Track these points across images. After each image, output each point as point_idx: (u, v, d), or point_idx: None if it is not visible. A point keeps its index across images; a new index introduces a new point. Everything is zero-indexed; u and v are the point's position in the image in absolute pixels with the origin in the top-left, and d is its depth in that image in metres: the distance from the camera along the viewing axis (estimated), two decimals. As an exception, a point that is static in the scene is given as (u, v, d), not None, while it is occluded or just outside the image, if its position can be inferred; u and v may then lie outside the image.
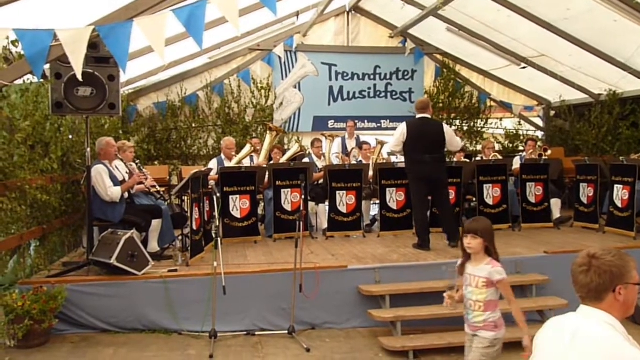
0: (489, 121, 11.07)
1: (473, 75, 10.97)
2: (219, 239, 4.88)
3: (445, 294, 3.28)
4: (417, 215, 6.43)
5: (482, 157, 8.29)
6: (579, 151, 9.91)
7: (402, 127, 6.32)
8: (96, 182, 5.54)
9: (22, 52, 4.04)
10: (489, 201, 7.49)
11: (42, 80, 5.09)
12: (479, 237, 3.22)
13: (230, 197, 6.84)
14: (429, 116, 6.34)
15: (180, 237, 6.30)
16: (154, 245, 5.98)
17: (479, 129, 10.94)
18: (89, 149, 5.44)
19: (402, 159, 8.36)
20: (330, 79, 10.41)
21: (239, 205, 6.86)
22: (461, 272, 3.34)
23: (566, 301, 5.23)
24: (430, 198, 6.80)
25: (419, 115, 6.30)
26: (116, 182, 5.75)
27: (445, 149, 6.41)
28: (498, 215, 7.46)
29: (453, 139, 6.41)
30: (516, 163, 8.11)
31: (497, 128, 11.26)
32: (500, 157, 8.14)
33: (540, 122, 11.40)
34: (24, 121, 5.38)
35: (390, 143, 6.43)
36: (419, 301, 5.25)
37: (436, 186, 6.28)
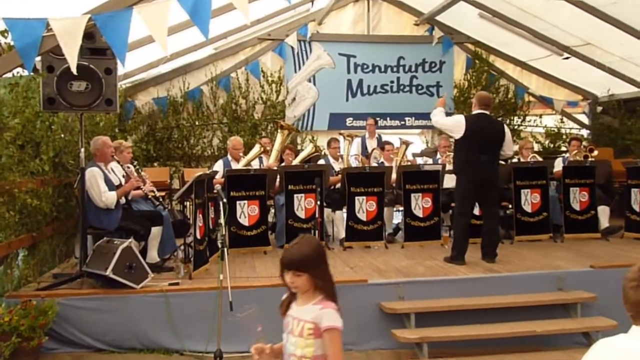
0: (527, 118, 11.02)
1: (509, 67, 10.93)
2: (225, 249, 4.87)
3: (252, 347, 2.53)
4: (458, 223, 6.35)
5: (519, 159, 8.25)
6: (630, 152, 9.83)
7: (460, 120, 6.23)
8: (90, 186, 5.59)
9: (12, 43, 4.10)
10: (527, 208, 7.43)
11: (33, 73, 5.13)
12: (302, 272, 2.45)
13: (238, 202, 6.85)
14: (488, 113, 6.31)
15: (182, 247, 6.32)
16: (153, 256, 6.02)
17: (516, 127, 10.88)
18: (83, 149, 5.49)
19: (429, 160, 8.42)
20: (349, 72, 10.41)
21: (247, 212, 6.88)
22: (283, 312, 2.65)
23: (616, 322, 5.14)
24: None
25: (478, 111, 6.24)
26: (112, 186, 5.80)
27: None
28: (537, 224, 7.40)
29: (511, 142, 6.42)
30: (558, 165, 8.04)
31: (536, 126, 11.20)
32: (539, 159, 8.08)
33: (585, 119, 11.34)
34: (13, 118, 5.43)
35: (437, 117, 6.35)
36: (448, 320, 5.22)
37: (487, 190, 6.23)
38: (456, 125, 6.20)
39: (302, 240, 2.52)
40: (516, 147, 7.98)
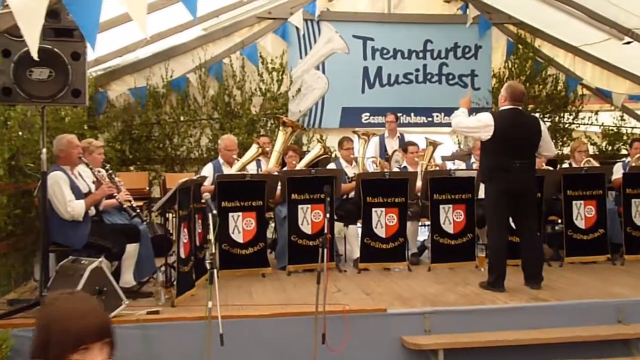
0: (580, 115, 11.01)
1: (558, 53, 10.95)
2: (214, 271, 4.85)
3: None
4: (494, 242, 6.33)
5: (570, 164, 8.24)
6: None
7: (486, 120, 6.23)
8: (53, 194, 5.60)
9: (-39, 23, 4.12)
10: (580, 224, 7.39)
11: (-16, 59, 5.18)
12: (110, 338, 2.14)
13: (231, 214, 6.86)
14: (521, 108, 6.32)
15: (163, 268, 6.30)
16: (128, 279, 6.03)
17: (567, 125, 10.88)
18: (44, 150, 5.46)
19: (461, 165, 8.39)
20: (365, 58, 10.44)
21: (241, 226, 6.89)
22: None
23: (687, 362, 5.14)
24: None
25: (509, 106, 6.24)
26: (79, 194, 5.80)
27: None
28: (592, 243, 7.37)
29: (550, 141, 6.42)
30: (617, 172, 8.02)
31: (592, 124, 11.18)
32: (595, 164, 8.03)
33: (651, 117, 11.31)
34: (-41, 113, 5.47)
35: (460, 118, 6.38)
36: (484, 359, 5.20)
37: (523, 203, 6.22)
38: (482, 126, 6.19)
39: (84, 297, 2.19)
40: (566, 150, 7.96)
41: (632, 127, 11.11)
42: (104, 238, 5.89)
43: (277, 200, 7.45)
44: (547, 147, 6.37)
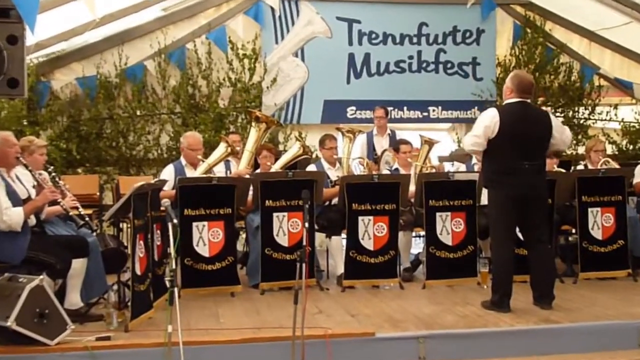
0: (597, 109, 11.10)
1: (573, 39, 11.06)
2: (175, 290, 4.84)
3: None
4: (499, 255, 6.35)
5: (586, 165, 8.27)
6: None
7: (492, 116, 6.19)
8: (-15, 200, 5.57)
9: None
10: (597, 234, 7.40)
11: None
12: None
13: (195, 224, 6.84)
14: (530, 101, 6.33)
15: (115, 287, 6.30)
16: (75, 299, 5.95)
17: (582, 121, 10.98)
18: (-25, 150, 5.46)
19: (461, 167, 8.41)
20: (351, 43, 10.48)
21: (207, 238, 6.88)
22: None
23: None
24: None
25: (515, 99, 6.24)
26: (16, 200, 5.74)
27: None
28: (611, 257, 7.37)
29: (564, 133, 6.39)
30: (639, 175, 8.06)
31: (610, 120, 11.28)
32: (614, 165, 8.06)
33: (677, 112, 11.44)
34: None
35: (468, 139, 6.36)
36: (488, 389, 5.24)
37: (532, 210, 6.24)
38: (489, 123, 6.13)
39: None
40: (581, 150, 7.98)
41: (657, 123, 11.22)
42: (46, 252, 5.79)
43: (249, 208, 7.43)
44: (562, 139, 6.33)
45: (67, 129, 9.51)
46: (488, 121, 6.14)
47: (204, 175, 7.29)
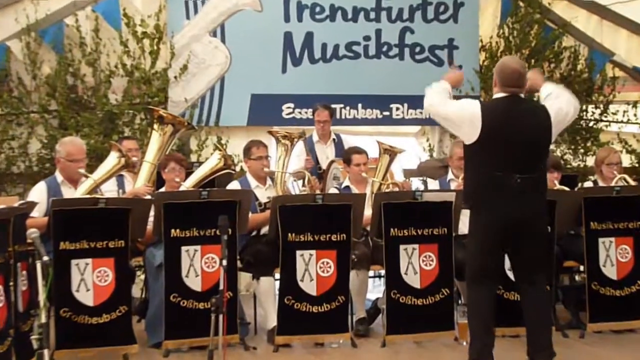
0: (611, 108, 11.27)
1: (579, 15, 11.20)
2: (45, 353, 4.78)
3: None
4: (476, 296, 6.34)
5: (596, 182, 8.35)
6: None
7: (472, 109, 6.16)
8: None
9: None
10: (610, 272, 7.44)
11: None
12: None
13: (74, 262, 6.74)
14: (522, 95, 6.28)
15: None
16: None
17: (591, 123, 11.16)
18: None
19: (433, 183, 8.46)
20: (288, 20, 10.64)
21: (91, 280, 6.79)
22: None
23: None
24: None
25: (502, 94, 6.22)
26: None
27: None
28: (628, 303, 7.43)
29: (564, 108, 6.30)
30: (664, 194, 8.11)
31: (627, 122, 11.47)
32: (632, 183, 8.14)
33: None
34: None
35: (437, 101, 6.37)
36: None
37: (525, 240, 6.22)
38: (465, 119, 6.13)
39: None
40: (590, 161, 8.05)
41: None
42: None
43: (149, 240, 7.39)
44: (561, 118, 6.28)
45: None
46: (467, 114, 6.17)
47: (88, 196, 7.20)
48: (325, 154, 9.26)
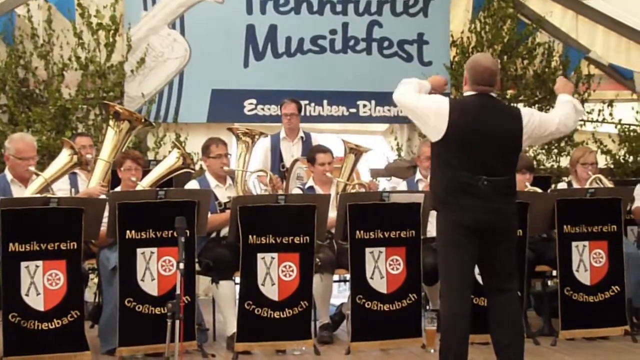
0: (587, 107, 11.02)
1: (554, 10, 11.18)
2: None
3: None
4: (449, 305, 6.17)
5: (570, 183, 8.33)
6: None
7: (438, 106, 6.04)
8: None
9: None
10: (583, 278, 7.41)
11: None
12: None
13: (24, 265, 6.62)
14: (494, 94, 6.18)
15: None
16: None
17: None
18: None
19: (401, 184, 8.37)
20: (250, 12, 10.64)
21: (41, 284, 6.65)
22: None
23: None
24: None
25: (472, 92, 6.11)
26: None
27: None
28: (602, 309, 7.41)
29: (542, 124, 6.17)
30: (640, 196, 8.08)
31: (603, 121, 11.44)
32: (607, 184, 8.09)
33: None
34: None
35: (407, 92, 6.21)
36: None
37: (494, 244, 6.08)
38: (432, 113, 6.01)
39: None
40: (565, 162, 8.01)
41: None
42: None
43: (102, 242, 7.25)
44: (539, 132, 6.14)
45: None
46: (434, 107, 6.04)
47: (38, 195, 7.10)
48: (291, 152, 9.21)
